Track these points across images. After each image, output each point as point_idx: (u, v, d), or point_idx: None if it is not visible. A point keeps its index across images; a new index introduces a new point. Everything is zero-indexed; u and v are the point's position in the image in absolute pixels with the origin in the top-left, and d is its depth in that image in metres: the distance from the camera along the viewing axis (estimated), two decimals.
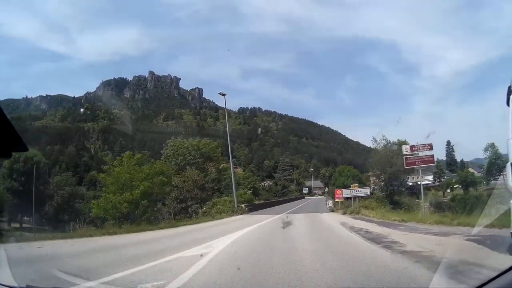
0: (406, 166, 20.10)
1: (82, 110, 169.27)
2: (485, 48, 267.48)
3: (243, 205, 31.07)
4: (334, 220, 19.77)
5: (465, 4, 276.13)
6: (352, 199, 25.27)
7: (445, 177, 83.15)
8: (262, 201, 42.75)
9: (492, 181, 68.09)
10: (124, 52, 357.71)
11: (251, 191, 39.93)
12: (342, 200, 27.06)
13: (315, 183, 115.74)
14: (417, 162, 19.76)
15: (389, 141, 66.90)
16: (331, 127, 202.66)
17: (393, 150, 65.76)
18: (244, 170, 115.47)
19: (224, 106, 32.96)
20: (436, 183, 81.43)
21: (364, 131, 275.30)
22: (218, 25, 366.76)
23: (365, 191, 25.56)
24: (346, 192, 25.36)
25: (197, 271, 6.55)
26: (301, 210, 31.59)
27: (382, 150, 64.75)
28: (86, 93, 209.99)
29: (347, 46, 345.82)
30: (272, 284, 5.49)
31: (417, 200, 66.39)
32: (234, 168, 77.68)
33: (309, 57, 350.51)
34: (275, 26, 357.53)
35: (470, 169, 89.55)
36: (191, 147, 47.78)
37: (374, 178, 71.58)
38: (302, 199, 73.71)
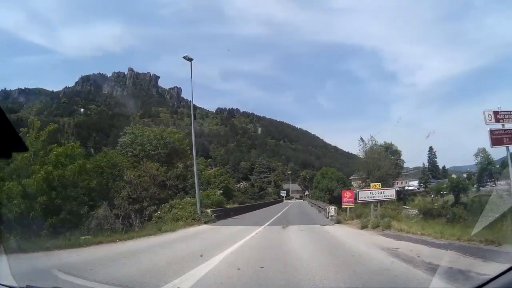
0: (492, 145, 11.25)
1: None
2: (466, 58, 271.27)
3: (209, 211, 21.36)
4: (364, 243, 10.63)
5: (448, 15, 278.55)
6: (372, 205, 16.17)
7: (430, 183, 77.06)
8: (235, 205, 33.14)
9: (482, 188, 61.96)
10: (105, 48, 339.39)
11: (221, 191, 30.01)
12: (352, 206, 17.91)
13: (293, 187, 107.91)
14: (505, 140, 11.00)
15: (377, 142, 59.63)
16: (309, 131, 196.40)
17: (380, 152, 58.31)
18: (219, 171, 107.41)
19: (190, 77, 23.09)
20: (422, 189, 75.04)
21: (343, 136, 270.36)
22: (201, 25, 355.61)
23: (390, 193, 16.53)
24: (363, 195, 16.15)
25: None
26: (289, 218, 22.34)
27: (369, 152, 57.07)
28: (64, 88, 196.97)
29: (329, 51, 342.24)
30: None
31: (403, 206, 59.18)
32: (210, 168, 66.97)
33: (290, 61, 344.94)
34: (257, 28, 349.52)
35: (454, 176, 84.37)
36: (152, 135, 37.64)
37: (360, 181, 63.72)
38: (281, 203, 64.80)
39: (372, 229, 13.98)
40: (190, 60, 24.30)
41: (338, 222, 17.40)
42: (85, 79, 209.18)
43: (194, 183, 36.36)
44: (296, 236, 12.79)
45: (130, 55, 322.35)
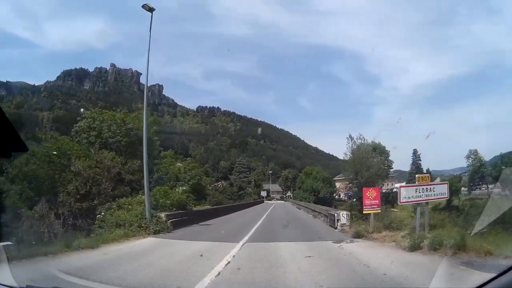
0: None
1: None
2: (451, 64, 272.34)
3: (163, 215, 14.31)
4: None
5: (434, 21, 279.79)
6: (418, 209, 9.84)
7: None
8: (207, 206, 25.90)
9: (472, 191, 57.73)
10: (89, 44, 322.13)
11: (184, 188, 22.37)
12: (378, 211, 11.45)
13: (273, 187, 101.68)
14: None
15: (365, 140, 53.97)
16: (291, 132, 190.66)
17: (369, 152, 52.63)
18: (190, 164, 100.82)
19: (149, 30, 15.96)
20: None
21: (324, 138, 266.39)
22: (186, 23, 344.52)
23: (442, 190, 10.24)
24: (408, 194, 9.68)
25: None
26: (279, 227, 15.55)
27: (356, 151, 51.40)
28: (46, 82, 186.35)
29: (313, 53, 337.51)
30: None
31: (392, 208, 53.86)
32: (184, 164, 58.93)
33: (274, 62, 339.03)
34: (243, 28, 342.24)
35: (438, 179, 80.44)
36: (111, 119, 30.23)
37: (347, 182, 58.00)
38: (261, 204, 58.26)
39: (434, 252, 7.62)
40: (151, 10, 17.27)
41: (358, 235, 10.87)
42: (67, 74, 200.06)
43: (160, 178, 29.32)
44: (311, 278, 6.06)
45: (113, 51, 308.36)
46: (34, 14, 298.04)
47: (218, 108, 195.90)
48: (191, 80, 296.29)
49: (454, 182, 51.89)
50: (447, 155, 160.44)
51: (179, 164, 33.36)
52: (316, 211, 20.05)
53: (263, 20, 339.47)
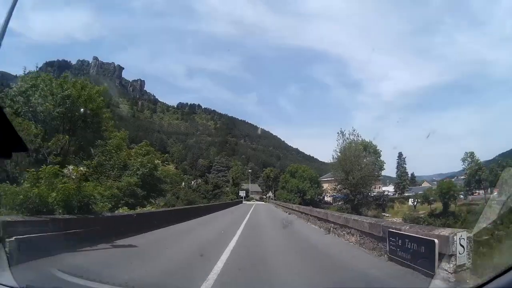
0: None
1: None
2: (434, 72, 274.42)
3: None
4: None
5: (419, 29, 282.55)
6: None
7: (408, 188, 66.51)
8: (147, 208, 16.80)
9: (469, 196, 51.81)
10: (73, 36, 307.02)
11: (83, 168, 12.58)
12: None
13: (253, 187, 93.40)
14: None
15: (359, 136, 46.69)
16: (271, 132, 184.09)
17: (360, 150, 45.50)
18: (176, 168, 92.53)
19: None
20: (397, 195, 64.31)
21: (304, 140, 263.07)
22: (171, 20, 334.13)
23: None
24: None
25: None
26: (275, 269, 6.31)
27: (347, 149, 44.06)
28: (27, 73, 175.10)
29: (295, 55, 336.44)
30: None
31: (383, 213, 46.70)
32: (166, 164, 48.62)
33: (256, 63, 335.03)
34: (226, 28, 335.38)
35: (426, 183, 75.70)
36: (44, 84, 21.27)
37: (336, 183, 50.38)
38: (239, 205, 49.78)
39: None
40: None
41: None
42: (48, 65, 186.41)
43: (100, 164, 20.44)
44: None
45: (97, 45, 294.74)
46: (21, 4, 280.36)
47: (199, 105, 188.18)
48: (173, 77, 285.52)
49: (451, 186, 45.52)
50: (426, 161, 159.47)
51: (131, 149, 24.46)
52: (331, 221, 11.76)
53: (247, 20, 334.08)
